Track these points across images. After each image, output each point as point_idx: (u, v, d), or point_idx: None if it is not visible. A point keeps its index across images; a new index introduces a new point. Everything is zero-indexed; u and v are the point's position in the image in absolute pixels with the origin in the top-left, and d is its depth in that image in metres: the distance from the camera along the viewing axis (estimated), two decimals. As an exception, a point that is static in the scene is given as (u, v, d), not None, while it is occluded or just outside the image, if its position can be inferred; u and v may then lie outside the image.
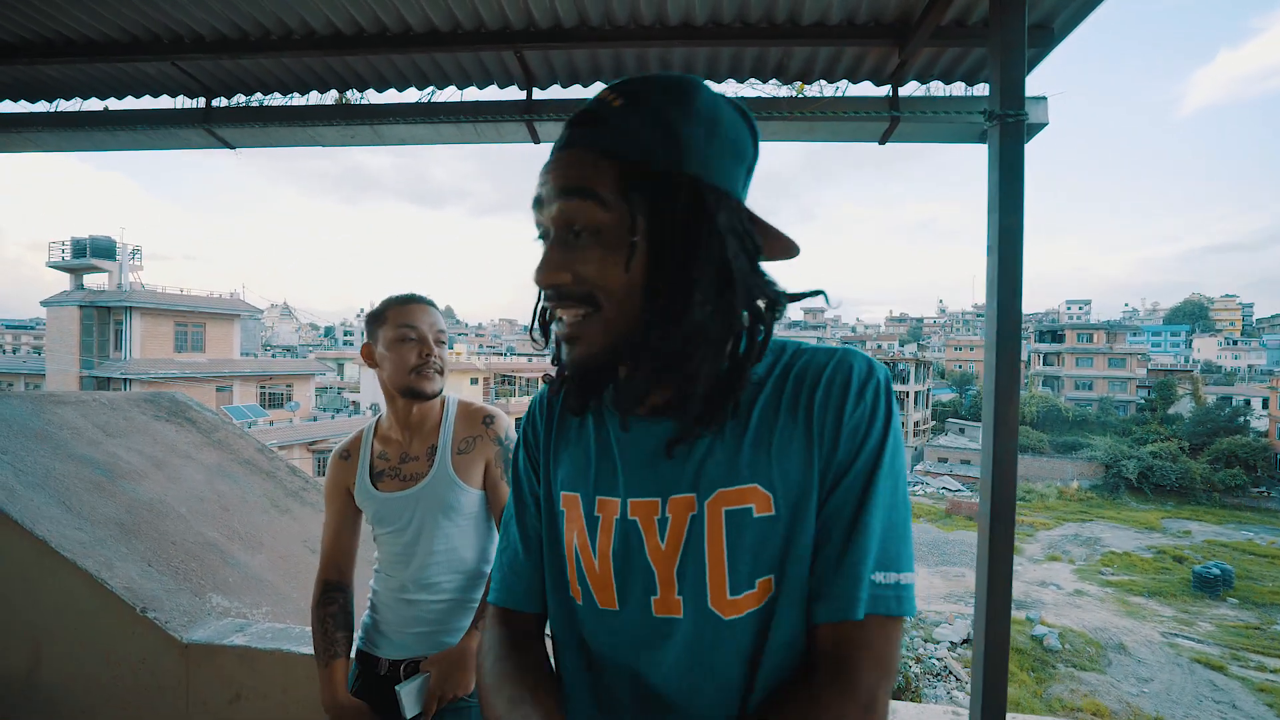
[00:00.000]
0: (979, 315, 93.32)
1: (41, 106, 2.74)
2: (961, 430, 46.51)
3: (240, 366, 24.17)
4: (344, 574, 1.45)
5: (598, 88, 2.58)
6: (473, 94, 2.58)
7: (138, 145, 2.72)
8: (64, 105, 2.70)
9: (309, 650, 1.78)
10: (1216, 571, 21.54)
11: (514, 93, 2.51)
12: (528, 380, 35.27)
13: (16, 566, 1.88)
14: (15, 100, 2.75)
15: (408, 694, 1.28)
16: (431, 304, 1.44)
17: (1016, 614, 20.56)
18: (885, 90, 2.34)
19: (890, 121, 2.28)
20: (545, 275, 0.60)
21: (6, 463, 2.11)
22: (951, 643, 18.75)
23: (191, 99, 2.63)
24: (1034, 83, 2.34)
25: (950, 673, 17.33)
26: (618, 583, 0.65)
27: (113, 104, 2.69)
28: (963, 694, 16.62)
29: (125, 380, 19.22)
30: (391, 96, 2.62)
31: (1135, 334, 57.23)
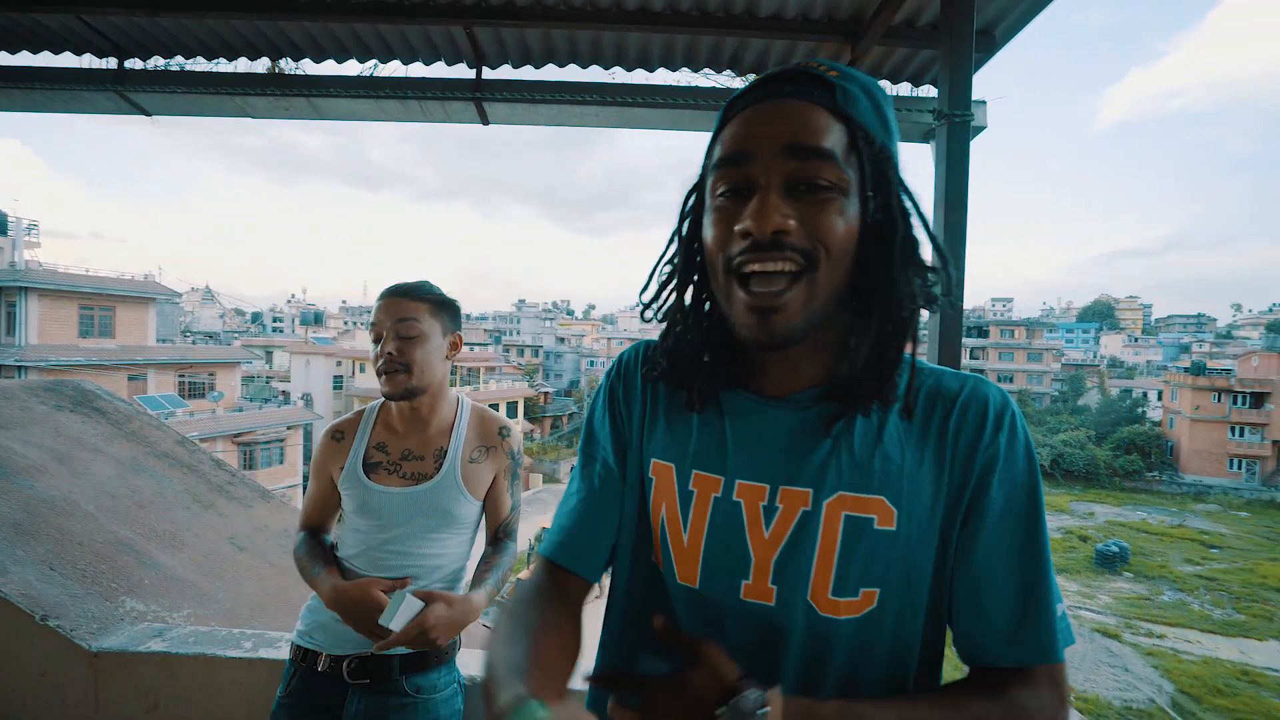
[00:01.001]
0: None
1: (-82, 58, 2.44)
2: (893, 421, 48.65)
3: (156, 354, 22.52)
4: (325, 529, 1.43)
5: (550, 70, 2.52)
6: (419, 70, 2.46)
7: (40, 107, 2.46)
8: (-54, 58, 2.41)
9: (237, 653, 1.67)
10: (1115, 549, 23.43)
11: (463, 70, 2.42)
12: (469, 369, 34.51)
13: (-109, 573, 1.68)
14: (-115, 49, 2.43)
15: (404, 607, 1.17)
16: (406, 292, 1.34)
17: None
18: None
19: (840, 118, 2.32)
20: (767, 221, 0.56)
21: (-122, 458, 1.88)
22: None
23: (101, 58, 2.40)
24: (975, 87, 2.44)
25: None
26: (705, 561, 0.64)
27: (9, 60, 2.43)
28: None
29: (19, 368, 17.60)
30: (330, 68, 2.47)
31: (1052, 330, 61.22)
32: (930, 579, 0.63)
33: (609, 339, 62.82)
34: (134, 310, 22.59)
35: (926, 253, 0.63)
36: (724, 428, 0.66)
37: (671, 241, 0.69)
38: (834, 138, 0.57)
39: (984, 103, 2.35)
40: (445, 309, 1.38)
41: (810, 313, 0.59)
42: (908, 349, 0.62)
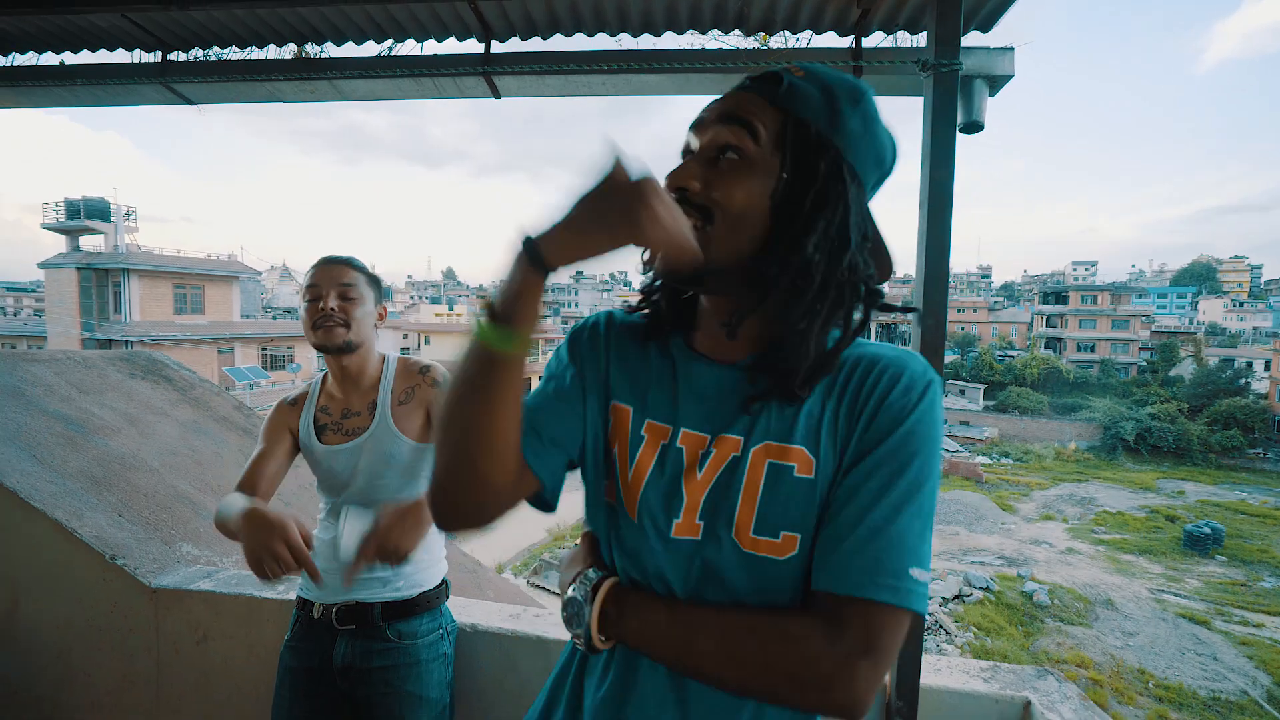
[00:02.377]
0: (983, 276, 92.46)
1: (-1, 61, 2.70)
2: (961, 391, 46.64)
3: (241, 329, 24.22)
4: (255, 492, 1.42)
5: (557, 40, 2.54)
6: (433, 47, 2.53)
7: (96, 101, 2.69)
8: (19, 60, 2.66)
9: (271, 595, 1.86)
10: (1207, 530, 21.87)
11: (473, 45, 2.46)
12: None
13: (-11, 516, 1.95)
14: (-29, 55, 2.70)
15: (348, 524, 1.27)
16: (349, 261, 1.46)
17: (1008, 570, 21.03)
18: (849, 41, 2.29)
19: (853, 72, 2.24)
20: (675, 178, 0.66)
21: (-21, 418, 2.16)
22: (943, 598, 19.24)
23: (148, 53, 2.59)
24: (1000, 33, 2.29)
25: (941, 627, 17.87)
26: (643, 498, 0.71)
27: (68, 59, 2.65)
28: (952, 647, 17.17)
29: (126, 342, 19.31)
30: (351, 50, 2.57)
31: (1141, 296, 56.77)
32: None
33: (666, 310, 62.46)
34: (220, 288, 24.29)
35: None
36: (675, 383, 0.73)
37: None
38: (762, 119, 0.65)
39: (1009, 50, 2.22)
40: (374, 282, 1.51)
41: (709, 260, 0.64)
42: (827, 327, 0.66)
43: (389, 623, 1.40)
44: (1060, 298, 51.04)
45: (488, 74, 2.39)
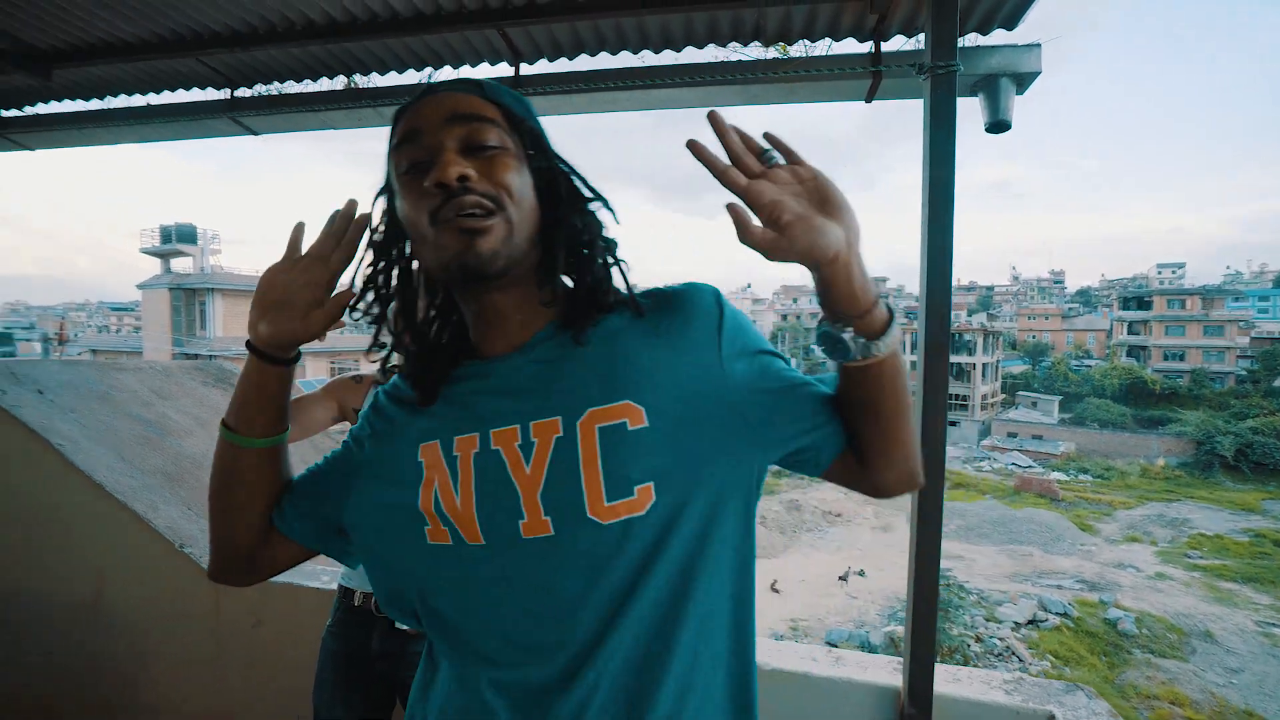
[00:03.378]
0: (1055, 281, 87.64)
1: (94, 104, 3.05)
2: (1034, 404, 44.22)
3: (311, 344, 25.64)
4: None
5: (583, 60, 2.66)
6: (468, 72, 2.69)
7: (175, 135, 2.99)
8: (112, 102, 2.99)
9: (316, 584, 2.01)
10: (1321, 556, 19.87)
11: (504, 69, 2.61)
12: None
13: (80, 506, 2.19)
14: (73, 100, 3.06)
15: None
16: None
17: (1088, 595, 19.69)
18: (868, 47, 2.29)
19: (873, 78, 2.24)
20: (452, 169, 0.62)
21: (75, 420, 2.43)
22: (1015, 623, 18.19)
23: (218, 90, 2.86)
24: (1026, 30, 2.25)
25: (1013, 653, 16.84)
26: (480, 514, 0.65)
27: (151, 98, 2.96)
28: (1027, 675, 16.10)
29: (210, 356, 20.82)
30: (393, 79, 2.77)
31: (1238, 299, 52.40)
32: (705, 463, 0.66)
33: (720, 322, 62.18)
34: (295, 307, 25.80)
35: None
36: (464, 394, 0.71)
37: (370, 250, 0.76)
38: (490, 112, 0.67)
39: (1035, 46, 2.18)
40: None
41: (511, 246, 0.65)
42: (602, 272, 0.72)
43: None
44: (1143, 303, 47.77)
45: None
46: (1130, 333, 47.46)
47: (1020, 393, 47.05)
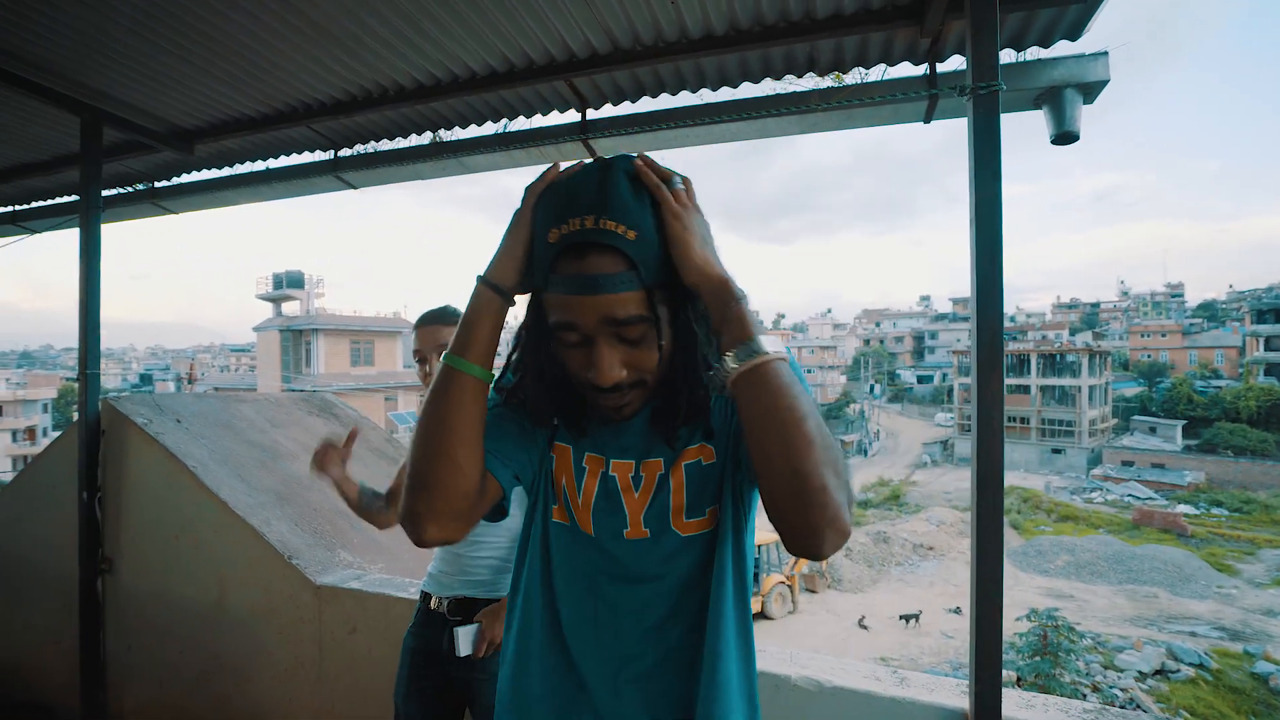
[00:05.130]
0: (1173, 295, 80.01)
1: (225, 171, 3.51)
2: (1152, 429, 40.24)
3: (403, 378, 27.31)
4: None
5: (645, 102, 2.82)
6: (539, 120, 2.92)
7: (288, 193, 3.39)
8: (239, 168, 3.43)
9: (406, 595, 2.18)
10: None
11: (571, 115, 2.81)
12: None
13: (208, 520, 2.49)
14: (207, 169, 3.54)
15: (464, 635, 1.57)
16: (441, 317, 1.68)
17: (1230, 645, 17.47)
18: (924, 69, 2.32)
19: (929, 100, 2.26)
20: (610, 374, 0.77)
21: (204, 444, 2.76)
22: (1140, 672, 16.35)
23: (324, 152, 3.24)
24: (1091, 39, 2.21)
25: (1138, 706, 15.08)
26: (595, 517, 0.90)
27: (270, 163, 3.38)
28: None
29: (314, 390, 22.58)
30: (473, 131, 3.04)
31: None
32: (741, 488, 0.88)
33: (799, 348, 61.11)
34: (387, 343, 27.61)
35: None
36: (602, 424, 0.90)
37: (523, 331, 0.89)
38: (636, 305, 0.74)
39: (1103, 54, 2.13)
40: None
41: (644, 401, 0.84)
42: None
43: None
44: None
45: (585, 139, 2.71)
46: (1268, 349, 42.51)
47: (1135, 417, 42.97)
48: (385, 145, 3.12)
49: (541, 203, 0.78)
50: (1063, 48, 2.23)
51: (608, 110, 2.77)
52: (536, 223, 0.78)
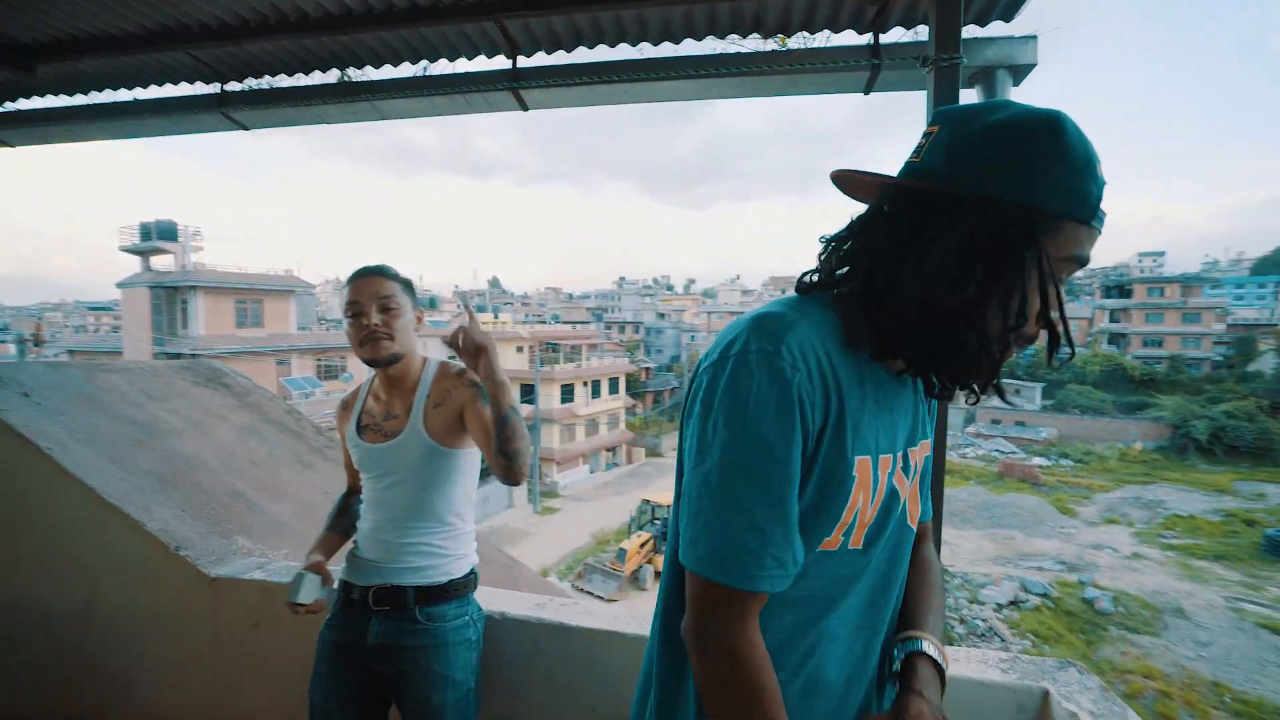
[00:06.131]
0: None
1: (78, 100, 2.97)
2: (1017, 391, 44.80)
3: (297, 340, 25.37)
4: (359, 485, 1.69)
5: (580, 53, 2.63)
6: (464, 65, 2.66)
7: (162, 131, 2.92)
8: (97, 97, 2.91)
9: (319, 585, 1.99)
10: (1291, 535, 20.42)
11: (501, 62, 2.58)
12: (572, 347, 35.76)
13: (70, 511, 2.15)
14: (56, 95, 2.98)
15: (307, 583, 1.55)
16: (383, 271, 1.53)
17: (1068, 576, 20.07)
18: (867, 38, 2.29)
19: (871, 70, 2.25)
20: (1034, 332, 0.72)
21: (62, 422, 2.37)
22: (998, 604, 18.53)
23: (207, 84, 2.80)
24: (1024, 21, 2.26)
25: (995, 633, 17.19)
26: (873, 524, 0.78)
27: (138, 93, 2.89)
28: (1022, 654, 16.39)
29: (194, 355, 20.50)
30: (388, 72, 2.72)
31: (1215, 287, 53.33)
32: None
33: (709, 314, 62.50)
34: (278, 302, 25.47)
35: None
36: (892, 413, 0.79)
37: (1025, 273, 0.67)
38: None
39: (1032, 38, 2.19)
40: (409, 288, 1.57)
41: None
42: None
43: (420, 606, 1.49)
44: (1124, 291, 48.52)
45: (515, 89, 2.50)
46: (1111, 320, 48.21)
47: (1004, 380, 47.53)
48: (284, 81, 2.75)
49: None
50: (995, 29, 2.27)
51: (541, 59, 2.56)
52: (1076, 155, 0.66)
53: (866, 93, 2.39)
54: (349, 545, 1.65)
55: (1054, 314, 0.67)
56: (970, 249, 0.66)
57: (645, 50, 2.50)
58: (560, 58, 2.55)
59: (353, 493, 1.74)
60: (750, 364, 0.68)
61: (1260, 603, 17.41)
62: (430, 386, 1.56)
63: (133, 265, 26.75)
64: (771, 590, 0.69)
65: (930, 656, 0.81)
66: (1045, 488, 29.22)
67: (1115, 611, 17.35)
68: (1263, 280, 67.38)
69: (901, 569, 0.86)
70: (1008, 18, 2.22)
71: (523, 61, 2.52)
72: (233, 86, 2.80)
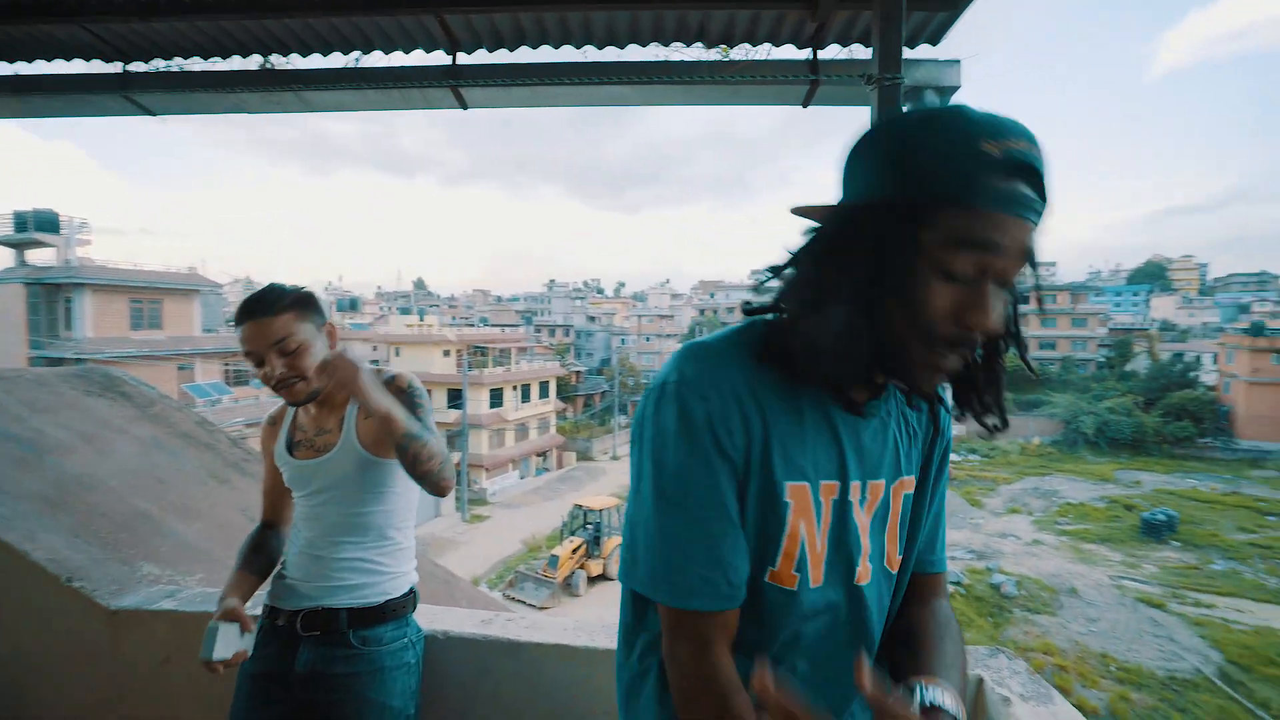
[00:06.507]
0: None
1: (-54, 72, 2.62)
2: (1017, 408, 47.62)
3: (202, 344, 23.54)
4: (277, 513, 1.58)
5: (523, 52, 2.57)
6: (400, 59, 2.54)
7: (54, 112, 2.63)
8: (-32, 71, 2.58)
9: (241, 612, 1.83)
10: (1162, 517, 22.72)
11: (440, 57, 2.48)
12: (501, 350, 35.06)
13: (-60, 541, 1.89)
14: (-84, 65, 2.62)
15: (221, 636, 1.33)
16: (269, 310, 1.34)
17: (977, 564, 21.49)
18: (807, 53, 2.36)
19: (810, 85, 2.32)
20: (995, 324, 0.65)
21: (-73, 440, 2.09)
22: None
23: (107, 63, 2.54)
24: (950, 45, 2.39)
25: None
26: (829, 559, 0.75)
27: (22, 69, 2.59)
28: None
29: (78, 359, 18.61)
30: (316, 62, 2.56)
31: (1098, 294, 58.79)
32: (921, 525, 0.84)
33: (639, 316, 62.86)
34: (180, 303, 23.58)
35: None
36: (839, 436, 0.75)
37: (856, 262, 0.65)
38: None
39: (955, 62, 2.32)
40: (307, 306, 1.40)
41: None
42: None
43: (354, 629, 1.39)
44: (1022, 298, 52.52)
45: (454, 86, 2.41)
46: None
47: (994, 397, 50.38)
48: (197, 65, 2.53)
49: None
50: (923, 51, 2.40)
51: (482, 56, 2.49)
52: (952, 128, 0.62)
53: (805, 106, 2.46)
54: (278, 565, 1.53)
55: (977, 311, 0.63)
56: (850, 254, 0.65)
57: (590, 54, 2.47)
58: (503, 56, 2.48)
59: (270, 526, 1.59)
60: (667, 395, 0.70)
61: (1138, 579, 19.28)
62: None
63: (4, 259, 24.05)
64: (708, 608, 0.70)
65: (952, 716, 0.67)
66: (956, 481, 31.21)
67: (1019, 594, 18.70)
68: (1136, 289, 74.89)
69: (876, 616, 0.79)
70: (934, 41, 2.34)
71: (463, 58, 2.44)
72: (138, 67, 2.56)
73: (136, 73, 2.56)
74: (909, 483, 0.81)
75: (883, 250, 0.64)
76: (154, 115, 2.69)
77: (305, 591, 1.41)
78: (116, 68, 2.56)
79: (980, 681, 1.43)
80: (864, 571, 0.77)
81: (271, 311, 1.35)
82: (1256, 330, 38.78)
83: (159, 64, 2.60)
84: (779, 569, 0.73)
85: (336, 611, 1.40)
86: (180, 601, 1.86)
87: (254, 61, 2.59)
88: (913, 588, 0.85)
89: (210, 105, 2.65)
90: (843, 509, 0.75)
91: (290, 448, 1.48)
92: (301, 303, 1.39)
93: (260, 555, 1.53)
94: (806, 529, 0.73)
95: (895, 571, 0.80)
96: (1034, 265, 0.66)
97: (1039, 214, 0.64)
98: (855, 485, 0.75)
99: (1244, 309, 60.10)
